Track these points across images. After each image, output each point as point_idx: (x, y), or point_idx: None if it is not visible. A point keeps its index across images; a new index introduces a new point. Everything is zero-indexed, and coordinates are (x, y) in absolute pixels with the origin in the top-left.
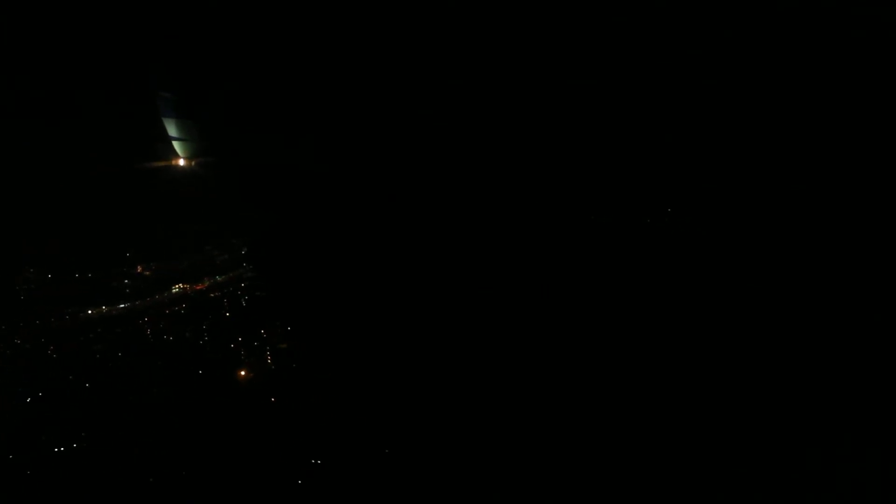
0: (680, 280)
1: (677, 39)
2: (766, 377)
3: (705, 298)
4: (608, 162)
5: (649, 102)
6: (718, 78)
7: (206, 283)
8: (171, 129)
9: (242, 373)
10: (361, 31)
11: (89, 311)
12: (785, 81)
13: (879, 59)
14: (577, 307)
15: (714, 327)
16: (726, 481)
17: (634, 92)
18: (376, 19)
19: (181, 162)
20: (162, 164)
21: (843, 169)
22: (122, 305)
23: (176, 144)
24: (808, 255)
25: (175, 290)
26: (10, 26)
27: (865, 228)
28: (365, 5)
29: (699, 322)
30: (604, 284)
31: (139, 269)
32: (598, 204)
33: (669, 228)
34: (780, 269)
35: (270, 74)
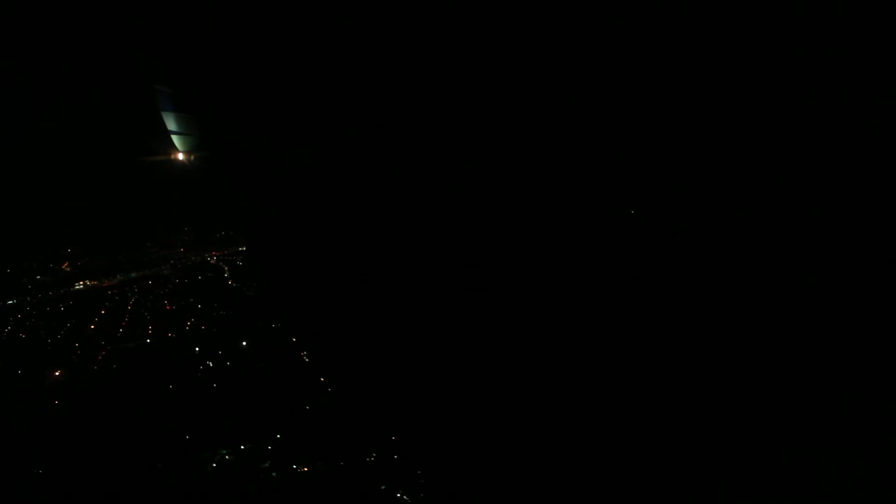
0: (678, 280)
1: (675, 40)
2: (766, 377)
3: (703, 298)
4: (605, 161)
5: (646, 103)
6: (715, 78)
7: (115, 280)
8: (169, 124)
9: (60, 374)
10: (359, 25)
11: None
12: (783, 81)
13: (879, 59)
14: (575, 306)
15: (712, 327)
16: (725, 481)
17: (631, 92)
18: (375, 14)
19: (171, 157)
20: (150, 159)
21: (842, 169)
22: (10, 302)
23: (175, 139)
24: (807, 255)
25: (78, 286)
26: (10, 25)
27: (865, 229)
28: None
29: (697, 321)
30: (601, 283)
31: (65, 265)
32: (597, 203)
33: (668, 228)
34: (781, 270)
35: (267, 69)
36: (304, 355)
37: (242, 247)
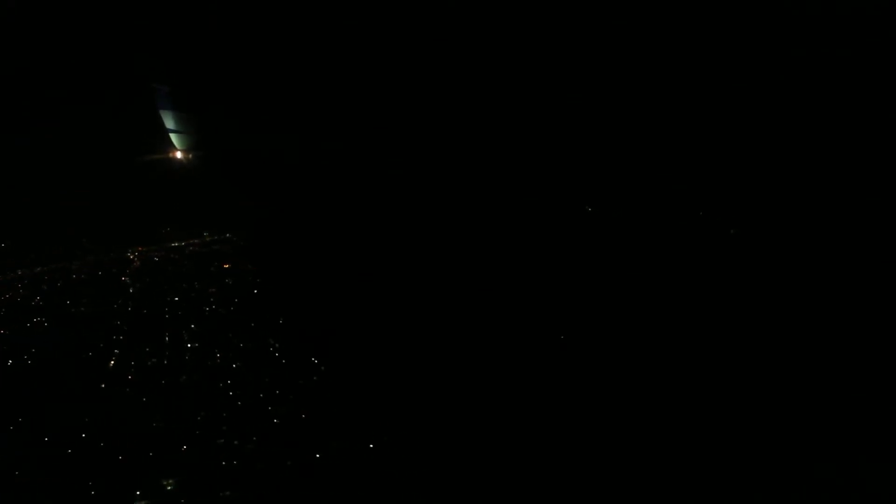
0: (677, 280)
1: (673, 41)
2: (766, 377)
3: (701, 298)
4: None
5: (643, 102)
6: (714, 79)
7: (12, 275)
8: (168, 122)
9: None
10: (358, 24)
11: None
12: (782, 82)
13: (879, 59)
14: (572, 305)
15: (710, 327)
16: (725, 481)
17: (628, 93)
18: (374, 14)
19: (169, 156)
20: (147, 158)
21: (841, 170)
22: None
23: (173, 138)
24: (808, 256)
25: None
26: (10, 25)
27: (865, 229)
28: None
29: (695, 322)
30: (598, 283)
31: None
32: (593, 202)
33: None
34: (782, 271)
35: (267, 67)
36: (112, 359)
37: (175, 242)
